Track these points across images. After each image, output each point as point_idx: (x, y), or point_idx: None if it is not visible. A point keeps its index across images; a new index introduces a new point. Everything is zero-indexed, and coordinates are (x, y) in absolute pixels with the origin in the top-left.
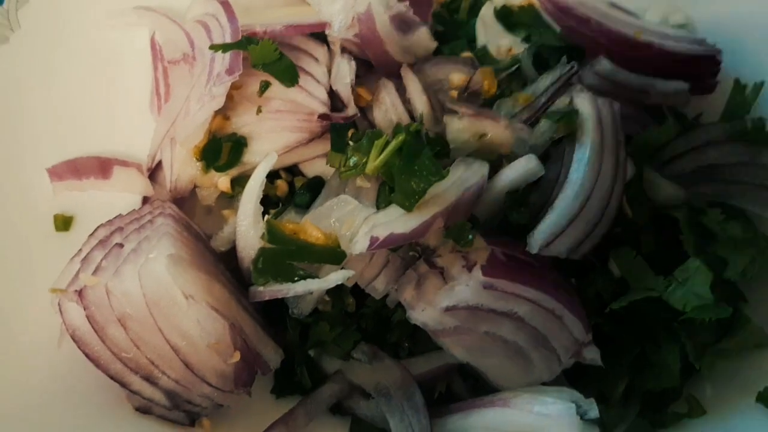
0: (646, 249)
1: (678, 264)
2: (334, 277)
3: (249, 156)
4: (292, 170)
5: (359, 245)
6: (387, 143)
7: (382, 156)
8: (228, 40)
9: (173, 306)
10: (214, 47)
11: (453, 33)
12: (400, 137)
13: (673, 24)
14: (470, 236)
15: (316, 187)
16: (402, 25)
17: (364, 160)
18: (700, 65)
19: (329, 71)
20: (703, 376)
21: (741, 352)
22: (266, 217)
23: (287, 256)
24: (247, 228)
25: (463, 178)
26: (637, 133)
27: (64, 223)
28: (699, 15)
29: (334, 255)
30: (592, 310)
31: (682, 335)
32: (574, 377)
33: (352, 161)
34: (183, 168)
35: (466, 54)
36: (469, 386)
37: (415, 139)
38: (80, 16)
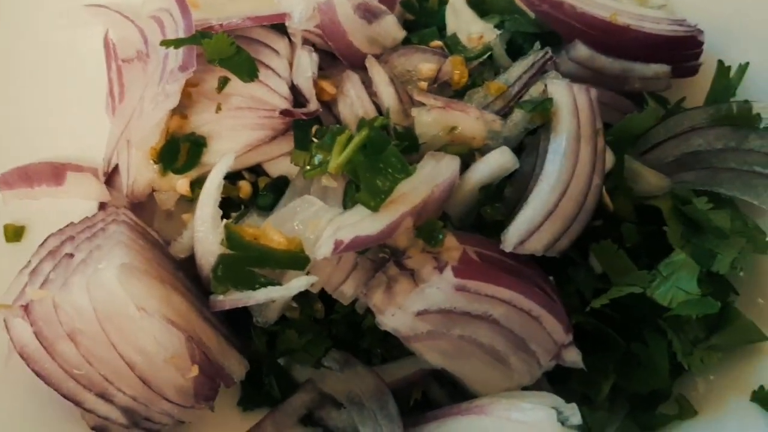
0: (629, 242)
1: (662, 257)
2: (297, 283)
3: (209, 156)
4: (256, 170)
5: (323, 249)
6: (351, 139)
7: (344, 153)
8: (181, 35)
9: (126, 319)
10: (166, 43)
11: (423, 21)
12: (364, 133)
13: (651, 4)
14: (441, 235)
15: (280, 187)
16: (367, 14)
17: (328, 158)
18: (680, 47)
19: (291, 64)
20: (693, 375)
21: (732, 348)
22: (224, 221)
23: (248, 262)
24: (205, 233)
25: (432, 174)
26: (615, 119)
27: (14, 233)
28: None
29: (297, 260)
30: (573, 308)
31: (669, 332)
32: (556, 379)
33: (316, 159)
34: (140, 171)
35: (436, 43)
36: (447, 392)
37: (379, 134)
38: (31, 15)
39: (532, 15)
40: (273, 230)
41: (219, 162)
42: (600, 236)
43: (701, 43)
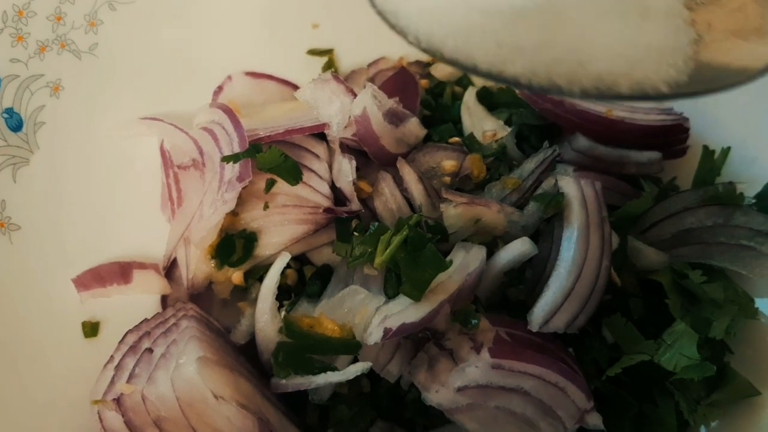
0: (636, 314)
1: (666, 325)
2: (354, 369)
3: (259, 249)
4: (300, 259)
5: (374, 337)
6: (392, 237)
7: (387, 251)
8: (235, 147)
9: (205, 406)
10: (226, 159)
11: (440, 116)
12: (404, 233)
13: None
14: (475, 320)
15: (325, 275)
16: (394, 119)
17: (369, 250)
18: (670, 134)
19: (330, 166)
20: (697, 429)
21: (731, 403)
22: (283, 312)
23: (306, 350)
24: (265, 324)
25: (464, 263)
26: (616, 201)
27: (92, 329)
28: None
29: (349, 347)
30: (591, 375)
31: (676, 393)
32: None
33: (357, 251)
34: (198, 266)
35: (454, 139)
36: None
37: (418, 233)
38: (92, 131)
39: (532, 107)
40: (326, 320)
41: (276, 261)
42: (610, 309)
43: (687, 129)
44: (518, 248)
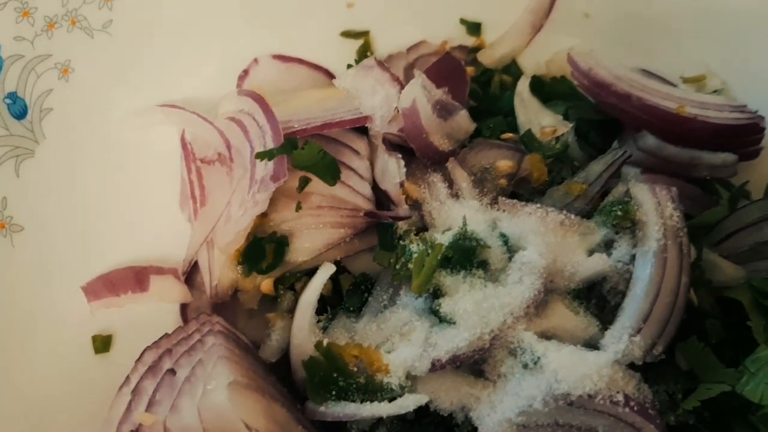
0: (714, 337)
1: (747, 350)
2: (406, 403)
3: (291, 255)
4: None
5: (421, 368)
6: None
7: (422, 274)
8: (269, 141)
9: None
10: (260, 155)
11: (487, 107)
12: (438, 253)
13: (708, 88)
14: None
15: (364, 286)
16: (443, 111)
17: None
18: (743, 134)
19: (371, 164)
20: None
21: None
22: (323, 335)
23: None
24: (302, 341)
25: (521, 283)
26: (686, 207)
27: (103, 344)
28: (734, 79)
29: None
30: (664, 407)
31: (761, 428)
32: None
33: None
34: (223, 272)
35: (508, 135)
36: None
37: (460, 248)
38: (105, 118)
39: (591, 100)
40: (374, 353)
41: (319, 272)
42: (685, 332)
43: (763, 129)
44: (592, 266)
